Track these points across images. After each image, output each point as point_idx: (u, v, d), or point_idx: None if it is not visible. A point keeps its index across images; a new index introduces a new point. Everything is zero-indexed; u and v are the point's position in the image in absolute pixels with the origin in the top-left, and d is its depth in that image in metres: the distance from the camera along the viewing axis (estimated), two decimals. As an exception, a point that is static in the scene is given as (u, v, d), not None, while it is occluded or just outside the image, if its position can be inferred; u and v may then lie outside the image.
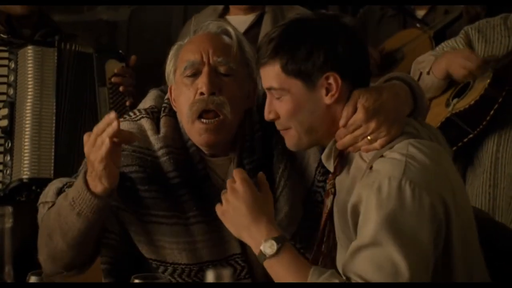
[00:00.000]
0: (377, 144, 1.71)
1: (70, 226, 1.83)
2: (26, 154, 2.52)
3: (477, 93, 2.64)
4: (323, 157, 1.83)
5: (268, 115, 1.80)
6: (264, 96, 1.91)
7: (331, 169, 1.81)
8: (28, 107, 2.55)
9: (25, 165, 2.52)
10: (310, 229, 1.93)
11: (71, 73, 2.62)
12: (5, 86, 2.58)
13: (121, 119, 1.96)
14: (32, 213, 2.05)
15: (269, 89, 1.77)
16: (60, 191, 1.95)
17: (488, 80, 2.62)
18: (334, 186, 1.80)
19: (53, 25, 2.78)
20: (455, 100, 2.73)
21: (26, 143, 2.53)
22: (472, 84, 2.71)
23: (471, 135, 2.64)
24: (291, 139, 1.80)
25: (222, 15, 3.20)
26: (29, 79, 2.56)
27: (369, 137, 1.71)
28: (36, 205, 2.01)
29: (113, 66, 2.67)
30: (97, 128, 1.75)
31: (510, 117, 2.67)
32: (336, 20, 1.77)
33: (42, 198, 1.99)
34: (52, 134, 2.55)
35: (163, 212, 1.92)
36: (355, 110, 1.72)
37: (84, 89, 2.63)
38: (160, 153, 1.94)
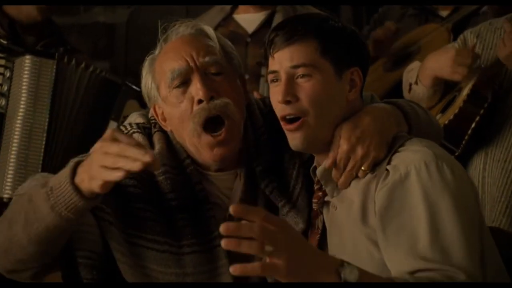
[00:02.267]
0: (365, 166, 1.69)
1: (38, 218, 1.60)
2: (11, 171, 2.39)
3: (452, 112, 2.58)
4: (320, 174, 1.74)
5: (285, 97, 1.71)
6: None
7: (332, 190, 1.75)
8: (18, 120, 2.45)
9: (8, 183, 2.38)
10: None
11: (73, 90, 2.49)
12: None
13: None
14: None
15: (297, 66, 1.71)
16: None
17: (464, 98, 2.56)
18: (322, 205, 1.77)
19: (59, 36, 2.68)
20: (439, 116, 2.68)
21: (12, 159, 2.40)
22: (455, 99, 2.64)
23: (456, 153, 2.57)
24: (302, 133, 1.71)
25: (230, 14, 3.12)
26: (23, 90, 2.49)
27: (362, 168, 1.69)
28: None
29: (131, 106, 2.54)
30: (120, 148, 1.49)
31: (495, 135, 2.60)
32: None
33: (19, 190, 1.77)
34: (41, 152, 2.39)
35: (155, 236, 1.76)
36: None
37: (90, 112, 2.51)
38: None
